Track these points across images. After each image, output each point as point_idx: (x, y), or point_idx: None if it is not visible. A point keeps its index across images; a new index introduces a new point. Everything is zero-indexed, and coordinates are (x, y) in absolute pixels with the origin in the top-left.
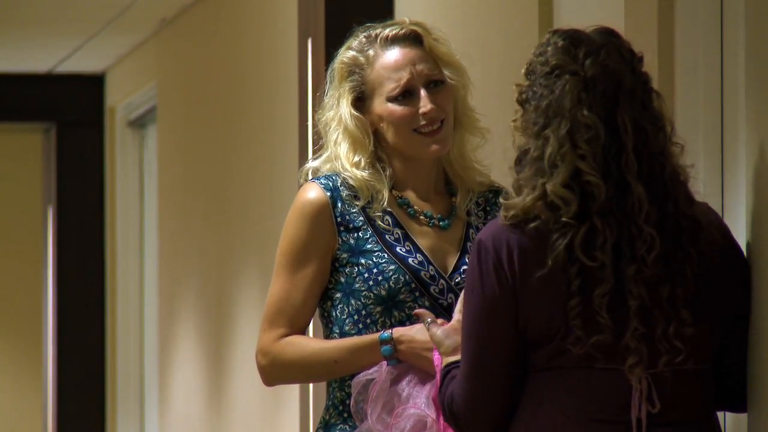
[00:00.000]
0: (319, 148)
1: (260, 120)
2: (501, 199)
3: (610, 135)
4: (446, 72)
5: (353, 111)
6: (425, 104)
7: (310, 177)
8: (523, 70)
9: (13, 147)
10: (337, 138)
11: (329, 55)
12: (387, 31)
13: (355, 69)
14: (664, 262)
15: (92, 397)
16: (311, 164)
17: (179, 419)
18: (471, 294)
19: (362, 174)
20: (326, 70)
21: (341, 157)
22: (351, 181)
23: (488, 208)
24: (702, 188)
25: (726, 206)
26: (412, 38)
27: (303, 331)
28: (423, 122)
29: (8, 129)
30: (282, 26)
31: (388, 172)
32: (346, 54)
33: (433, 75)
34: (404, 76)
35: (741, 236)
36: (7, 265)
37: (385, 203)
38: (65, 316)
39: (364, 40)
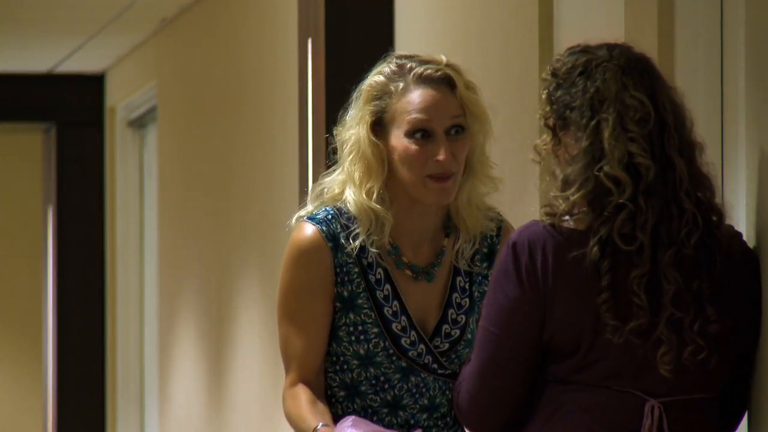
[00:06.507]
0: (333, 163)
1: (260, 120)
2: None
3: (656, 115)
4: (470, 120)
5: (371, 136)
6: (442, 153)
7: (321, 196)
8: (543, 96)
9: (13, 147)
10: (352, 159)
11: (329, 55)
12: (421, 69)
13: (381, 95)
14: (698, 247)
15: (92, 397)
16: (324, 180)
17: (179, 419)
18: (498, 293)
19: (370, 203)
20: (326, 70)
21: (354, 179)
22: (352, 209)
23: (490, 254)
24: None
25: (726, 206)
26: (445, 81)
27: (316, 372)
28: (436, 170)
29: (8, 129)
30: (282, 26)
31: (391, 211)
32: (375, 78)
33: (457, 120)
34: (426, 117)
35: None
36: (7, 265)
37: (386, 237)
38: (65, 316)
39: (396, 69)
